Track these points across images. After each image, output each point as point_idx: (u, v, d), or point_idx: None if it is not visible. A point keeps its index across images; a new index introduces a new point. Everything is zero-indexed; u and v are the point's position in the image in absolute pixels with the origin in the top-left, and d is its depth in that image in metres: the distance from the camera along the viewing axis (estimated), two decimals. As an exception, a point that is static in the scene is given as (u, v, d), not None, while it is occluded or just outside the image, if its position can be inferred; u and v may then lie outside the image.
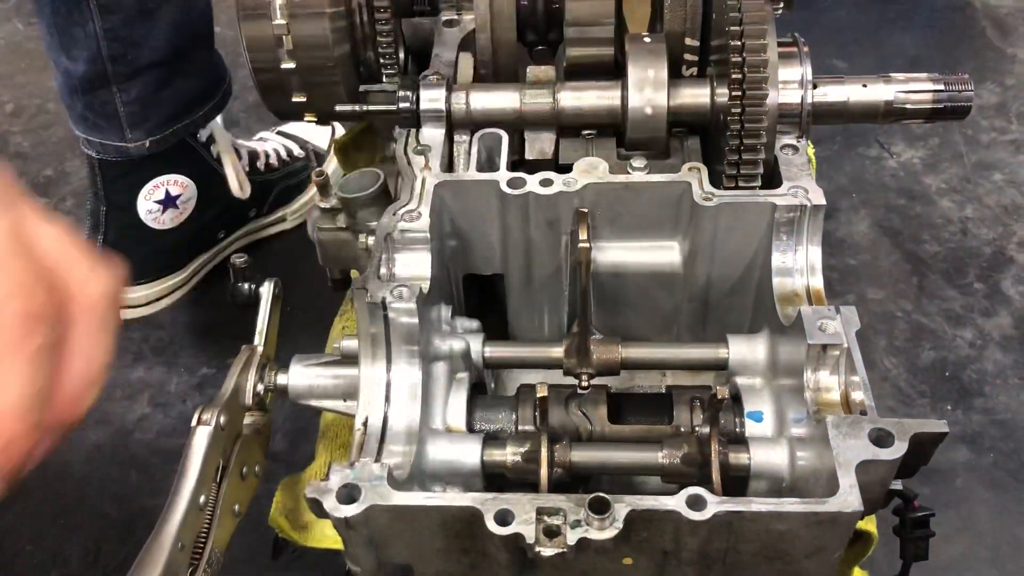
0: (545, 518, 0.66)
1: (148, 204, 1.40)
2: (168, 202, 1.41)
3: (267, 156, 1.58)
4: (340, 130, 1.56)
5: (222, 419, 0.85)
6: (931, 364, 1.46)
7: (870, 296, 1.55)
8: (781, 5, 1.05)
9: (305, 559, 1.30)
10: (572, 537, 0.64)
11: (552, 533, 0.65)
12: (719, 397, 0.76)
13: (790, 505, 0.66)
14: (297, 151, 1.63)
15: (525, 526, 0.65)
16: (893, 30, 2.08)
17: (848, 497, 0.66)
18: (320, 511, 0.68)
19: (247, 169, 1.52)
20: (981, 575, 1.23)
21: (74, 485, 1.37)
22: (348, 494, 0.68)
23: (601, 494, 0.65)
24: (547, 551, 0.64)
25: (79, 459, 1.41)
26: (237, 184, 1.49)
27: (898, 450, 0.68)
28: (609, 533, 0.64)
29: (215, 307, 1.58)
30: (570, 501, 0.66)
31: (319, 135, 1.68)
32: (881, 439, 0.69)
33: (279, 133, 1.68)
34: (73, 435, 1.41)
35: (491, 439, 0.80)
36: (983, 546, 1.25)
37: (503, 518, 0.66)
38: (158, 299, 1.47)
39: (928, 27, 2.09)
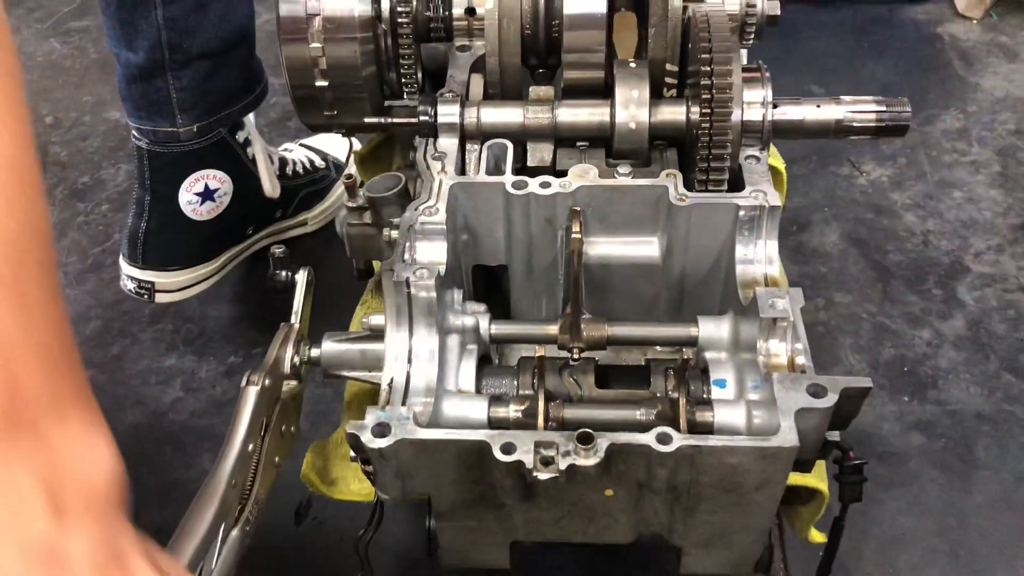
0: (542, 450, 0.78)
1: (188, 196, 1.50)
2: (207, 195, 1.51)
3: (294, 164, 1.69)
4: (357, 144, 1.67)
5: (266, 382, 0.97)
6: (891, 360, 1.58)
7: (838, 300, 1.67)
8: (752, 37, 1.19)
9: (324, 526, 1.42)
10: (563, 463, 0.77)
11: (547, 462, 0.78)
12: (686, 358, 0.90)
13: (740, 441, 0.79)
14: (319, 162, 1.75)
15: (525, 455, 0.78)
16: (867, 59, 2.21)
17: (788, 435, 0.78)
18: (357, 444, 0.81)
19: (277, 173, 1.63)
20: (929, 544, 1.35)
21: (115, 459, 1.49)
22: (380, 430, 0.81)
23: (587, 430, 0.79)
24: (543, 475, 0.77)
25: (118, 436, 1.44)
26: (269, 185, 1.59)
27: (830, 400, 0.80)
28: (593, 460, 0.77)
29: (242, 302, 1.70)
30: (562, 436, 0.79)
31: (338, 148, 1.80)
32: (817, 392, 0.81)
33: (302, 145, 1.80)
34: (112, 417, 1.54)
35: (496, 399, 0.91)
36: (932, 519, 1.37)
37: (508, 449, 0.78)
38: (190, 286, 1.57)
39: (900, 57, 2.22)
